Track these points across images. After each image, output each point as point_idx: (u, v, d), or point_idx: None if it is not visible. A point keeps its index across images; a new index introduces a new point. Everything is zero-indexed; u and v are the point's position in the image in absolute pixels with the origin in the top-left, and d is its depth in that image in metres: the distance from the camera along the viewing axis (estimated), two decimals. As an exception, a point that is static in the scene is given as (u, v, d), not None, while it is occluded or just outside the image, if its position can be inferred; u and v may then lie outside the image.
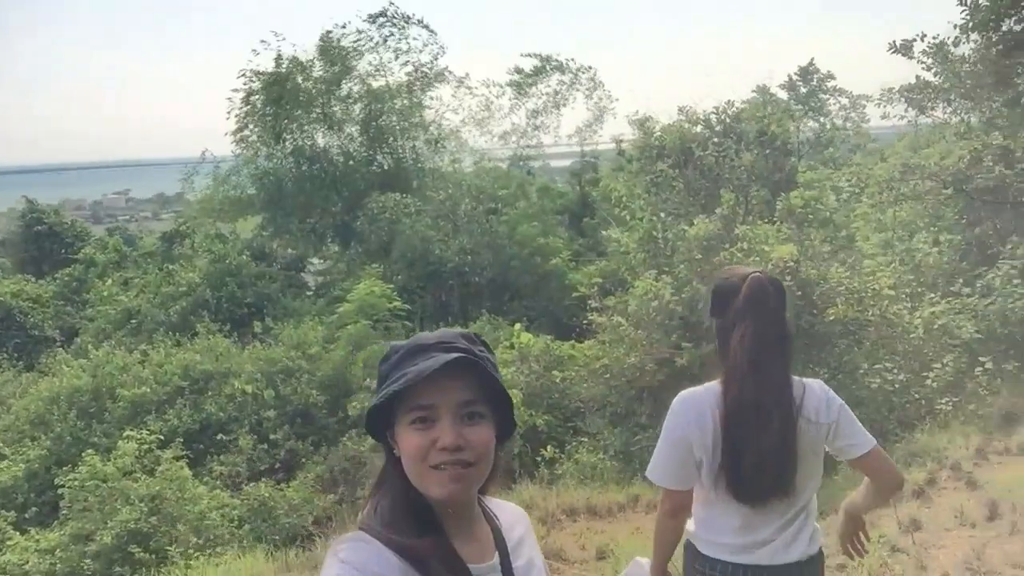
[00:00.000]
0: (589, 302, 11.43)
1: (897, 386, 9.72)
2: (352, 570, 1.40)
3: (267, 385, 14.96)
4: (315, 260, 28.04)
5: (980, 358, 9.61)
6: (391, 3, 27.88)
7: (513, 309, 21.14)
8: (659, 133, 12.74)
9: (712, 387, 2.46)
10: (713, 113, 12.82)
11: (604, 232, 20.15)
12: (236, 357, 16.12)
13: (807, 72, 30.43)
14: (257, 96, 26.40)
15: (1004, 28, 12.45)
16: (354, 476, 13.02)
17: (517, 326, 14.79)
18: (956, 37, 12.96)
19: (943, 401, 9.43)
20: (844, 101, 29.83)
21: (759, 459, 2.33)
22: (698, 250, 10.28)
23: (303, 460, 13.72)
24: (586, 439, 11.37)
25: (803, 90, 30.15)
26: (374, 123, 27.75)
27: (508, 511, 1.68)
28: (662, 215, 11.62)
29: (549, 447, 11.48)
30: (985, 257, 11.06)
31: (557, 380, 12.61)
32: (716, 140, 12.54)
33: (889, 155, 13.54)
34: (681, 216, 11.52)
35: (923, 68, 13.30)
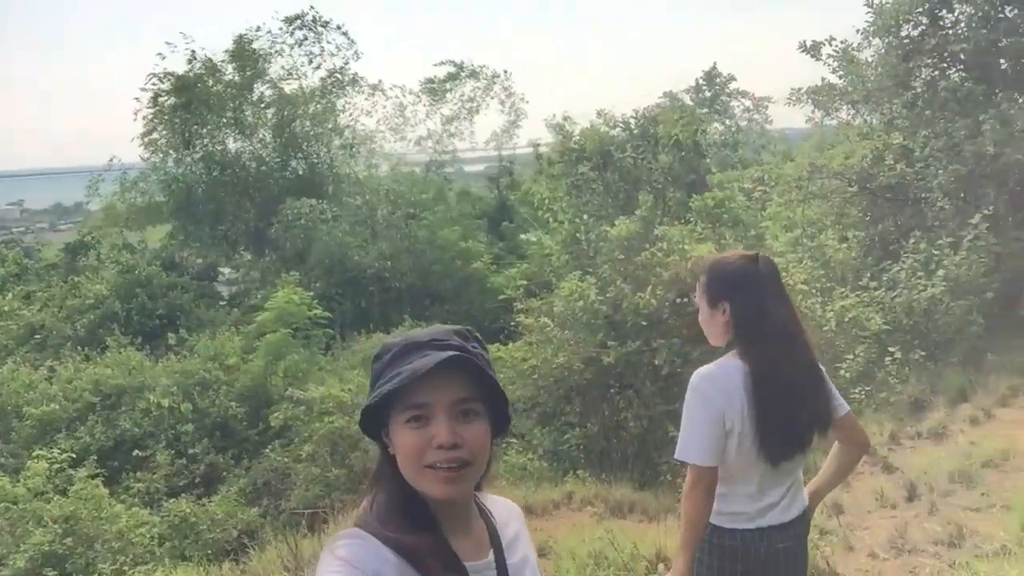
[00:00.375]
0: (515, 304, 11.49)
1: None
2: (349, 567, 1.39)
3: (184, 398, 14.51)
4: (225, 270, 27.32)
5: (889, 348, 10.07)
6: (311, 7, 27.53)
7: (435, 314, 21.08)
8: (578, 137, 12.93)
9: (732, 363, 2.54)
10: (632, 117, 13.14)
11: (523, 236, 20.30)
12: (150, 370, 15.59)
13: (711, 76, 31.29)
14: (166, 99, 25.61)
15: (904, 33, 13.11)
16: (278, 488, 12.76)
17: (441, 329, 14.73)
18: (860, 42, 13.62)
19: (856, 391, 9.84)
20: (747, 103, 30.84)
21: (792, 425, 2.51)
22: (620, 250, 10.47)
23: (224, 474, 13.37)
24: (515, 440, 11.43)
25: (707, 93, 30.99)
26: (287, 128, 27.26)
27: (502, 507, 1.69)
28: (584, 216, 11.80)
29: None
30: (889, 252, 11.59)
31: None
32: (634, 143, 12.80)
33: (797, 155, 14.05)
34: (602, 217, 11.71)
35: (829, 71, 13.91)
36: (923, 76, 12.88)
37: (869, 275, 11.13)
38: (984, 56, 12.15)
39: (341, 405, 13.08)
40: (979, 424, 8.27)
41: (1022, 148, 10.83)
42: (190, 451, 13.52)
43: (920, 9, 12.97)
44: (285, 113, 27.19)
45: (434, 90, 29.69)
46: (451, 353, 1.43)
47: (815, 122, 14.12)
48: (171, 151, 26.04)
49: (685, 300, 9.88)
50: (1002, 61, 12.40)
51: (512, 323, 12.63)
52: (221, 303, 24.16)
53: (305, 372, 15.38)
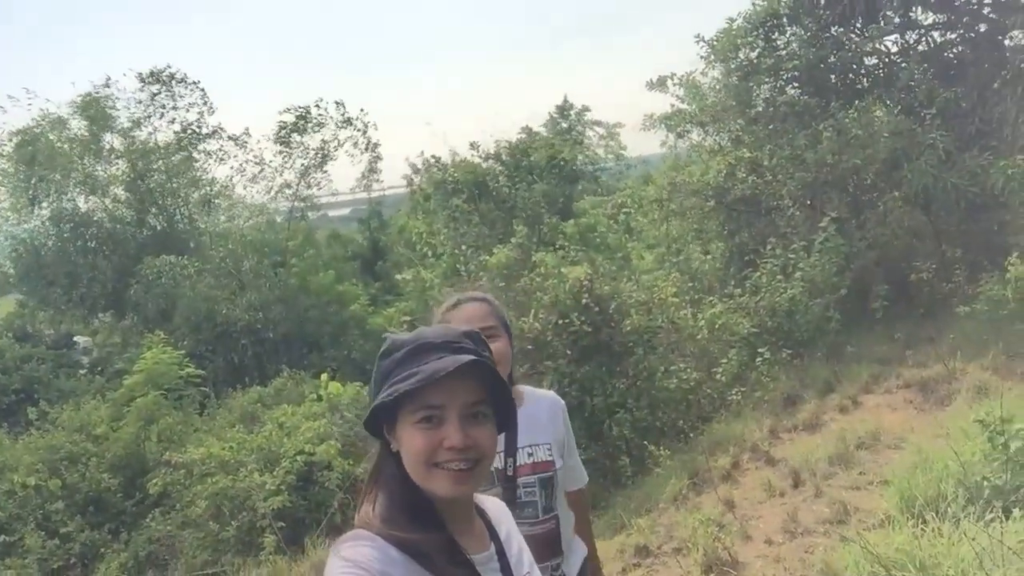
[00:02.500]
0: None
1: (692, 384, 10.52)
2: (356, 568, 1.39)
3: (51, 475, 13.54)
4: (79, 339, 25.79)
5: (759, 350, 10.63)
6: (168, 65, 26.72)
7: (314, 362, 20.62)
8: (452, 170, 13.10)
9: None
10: (504, 147, 13.40)
11: (398, 276, 20.26)
12: (11, 449, 14.50)
13: (564, 108, 32.36)
14: (5, 158, 24.16)
15: (741, 57, 14.01)
16: (163, 559, 12.12)
17: (324, 376, 14.46)
18: (703, 70, 14.48)
19: (733, 392, 10.35)
20: (601, 131, 32.02)
21: None
22: (500, 278, 10.64)
23: (102, 551, 12.54)
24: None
25: (563, 124, 31.99)
26: (142, 183, 26.20)
27: (492, 504, 1.73)
28: (463, 247, 11.93)
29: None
30: (749, 260, 12.27)
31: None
32: (507, 174, 13.08)
33: (655, 178, 14.74)
34: (481, 247, 11.87)
35: (677, 100, 14.70)
36: (763, 94, 13.81)
37: (733, 283, 11.74)
38: (816, 71, 13.14)
39: (223, 464, 12.59)
40: (848, 411, 8.84)
41: (857, 155, 11.74)
42: (62, 531, 12.61)
43: (756, 33, 13.93)
44: (139, 168, 26.15)
45: (287, 137, 29.20)
46: (471, 358, 1.47)
47: (669, 146, 14.88)
48: (13, 213, 24.53)
49: (567, 321, 10.16)
50: (832, 76, 13.45)
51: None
52: (82, 371, 22.79)
53: (181, 434, 14.70)
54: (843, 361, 10.53)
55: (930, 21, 13.75)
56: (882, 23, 13.24)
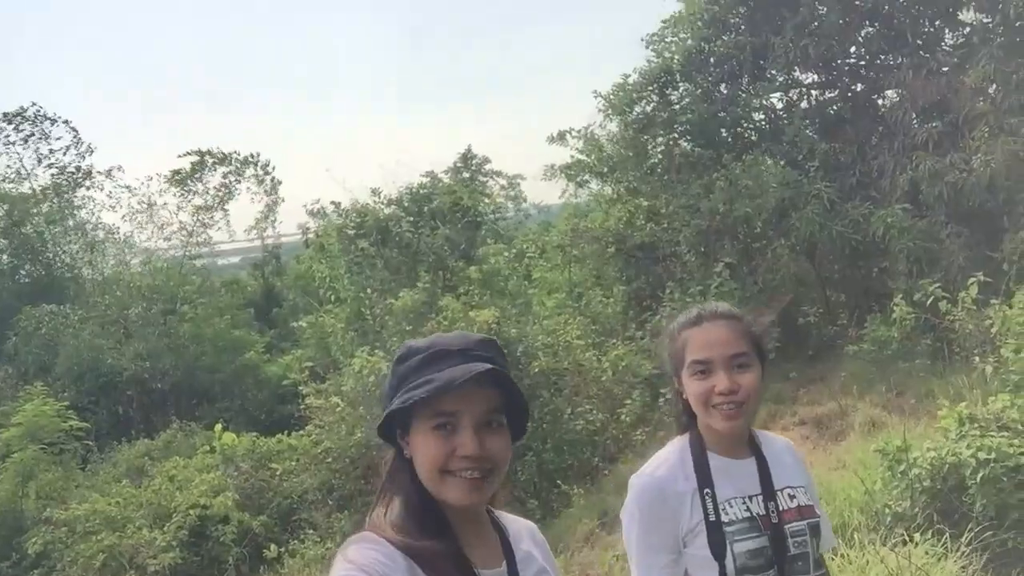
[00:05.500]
0: (300, 388, 11.17)
1: (597, 425, 10.66)
2: (358, 571, 1.38)
3: (-84, 538, 12.51)
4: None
5: (661, 390, 10.88)
6: (32, 103, 25.59)
7: (205, 413, 19.81)
8: (355, 215, 13.04)
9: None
10: (406, 193, 13.46)
11: (295, 323, 19.81)
12: None
13: (467, 157, 32.80)
14: None
15: (637, 111, 14.58)
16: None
17: (218, 427, 13.94)
18: (601, 123, 15.00)
19: (637, 433, 10.53)
20: (503, 182, 32.55)
21: None
22: (406, 322, 10.58)
23: (-26, 622, 11.62)
24: (312, 531, 10.98)
25: (465, 174, 32.37)
26: (18, 231, 24.88)
27: (515, 523, 1.69)
28: (368, 291, 11.83)
29: (272, 547, 10.92)
30: (647, 304, 12.61)
31: (272, 477, 12.09)
32: (411, 219, 13.12)
33: (557, 225, 15.08)
34: (386, 291, 11.80)
35: (577, 151, 15.16)
36: (658, 146, 14.39)
37: (634, 326, 12.02)
38: (708, 125, 13.78)
39: (109, 520, 11.95)
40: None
41: (748, 204, 12.30)
42: (-74, 598, 11.64)
43: (650, 88, 14.54)
44: (14, 215, 24.84)
45: (182, 180, 28.37)
46: (488, 367, 1.45)
47: (570, 195, 15.28)
48: None
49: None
50: (723, 130, 14.14)
51: (292, 413, 12.21)
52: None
53: (62, 491, 13.84)
54: (741, 400, 10.88)
55: (810, 80, 14.68)
56: (768, 81, 14.06)
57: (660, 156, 14.27)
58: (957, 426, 5.12)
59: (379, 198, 13.63)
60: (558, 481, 10.04)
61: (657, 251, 12.86)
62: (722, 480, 2.09)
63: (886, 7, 13.20)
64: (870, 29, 13.47)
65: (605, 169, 14.95)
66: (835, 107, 14.23)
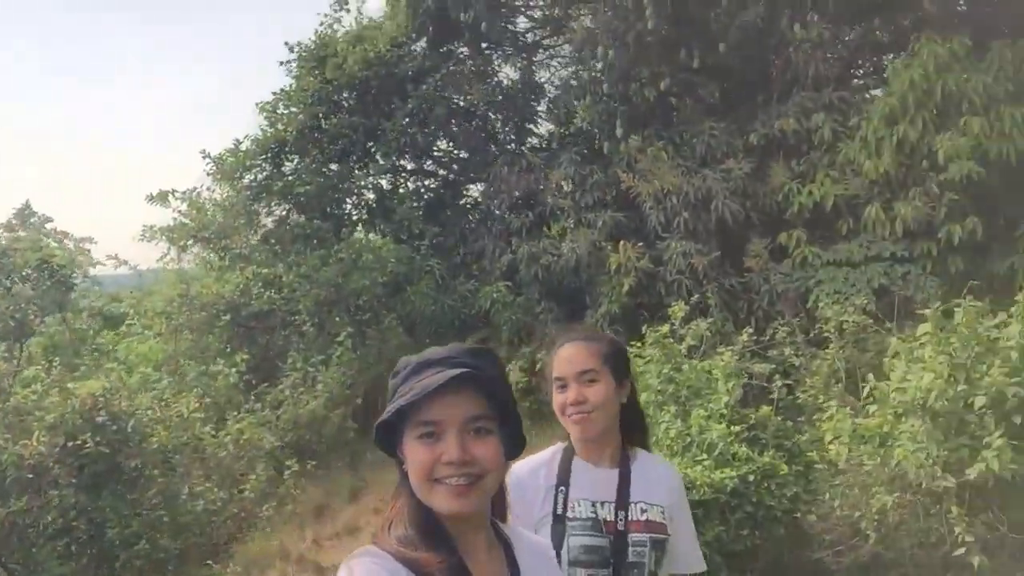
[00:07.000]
0: None
1: (219, 504, 10.02)
2: None
3: None
4: None
5: (286, 463, 10.64)
6: None
7: None
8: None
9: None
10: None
11: None
12: None
13: (24, 213, 28.77)
14: None
15: (248, 179, 14.40)
16: None
17: None
18: (209, 186, 14.47)
19: (264, 508, 10.11)
20: (70, 244, 29.02)
21: None
22: None
23: None
24: None
25: (22, 232, 28.29)
26: None
27: (531, 541, 1.70)
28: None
29: None
30: (267, 375, 12.32)
31: None
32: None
33: (164, 290, 14.07)
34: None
35: (181, 215, 14.37)
36: (274, 214, 14.29)
37: (254, 397, 11.63)
38: (323, 198, 14.09)
39: None
40: (383, 512, 9.31)
41: (364, 277, 12.73)
42: None
43: (264, 156, 14.46)
44: None
45: None
46: (459, 371, 1.47)
47: (171, 258, 14.35)
48: None
49: (77, 443, 8.97)
50: (338, 205, 14.56)
51: None
52: None
53: None
54: (365, 468, 11.09)
55: (413, 167, 15.84)
56: (377, 163, 14.84)
57: (275, 225, 14.16)
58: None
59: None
60: (169, 567, 9.23)
61: (277, 320, 12.67)
62: (579, 482, 2.39)
63: (482, 107, 14.89)
64: (469, 125, 15.03)
65: (211, 235, 14.34)
66: (435, 193, 15.48)
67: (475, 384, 1.49)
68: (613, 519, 2.34)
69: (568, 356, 2.41)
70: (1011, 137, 8.88)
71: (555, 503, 2.36)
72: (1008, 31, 9.72)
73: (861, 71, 13.28)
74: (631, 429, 2.49)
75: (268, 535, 9.53)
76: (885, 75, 10.81)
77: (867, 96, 11.71)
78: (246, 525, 10.20)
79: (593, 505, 2.36)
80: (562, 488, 2.37)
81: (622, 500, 2.36)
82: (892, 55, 12.32)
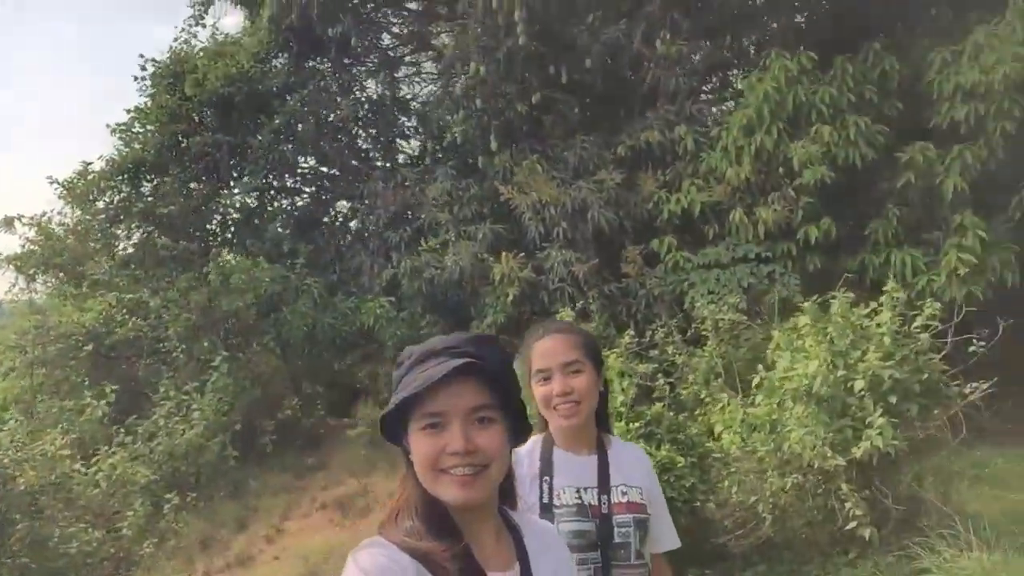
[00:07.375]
0: None
1: (95, 546, 9.41)
2: (361, 574, 1.39)
3: None
4: None
5: (166, 496, 10.11)
6: None
7: None
8: None
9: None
10: None
11: None
12: None
13: None
14: None
15: (103, 202, 13.66)
16: None
17: None
18: (61, 210, 13.62)
19: (145, 545, 9.57)
20: None
21: None
22: None
23: None
24: None
25: None
26: None
27: (541, 529, 1.69)
28: None
29: None
30: (137, 405, 11.67)
31: None
32: None
33: (15, 322, 13.07)
34: None
35: (29, 242, 13.46)
36: (133, 237, 13.60)
37: (124, 431, 11.00)
38: (190, 219, 13.54)
39: None
40: (275, 540, 9.08)
41: (237, 298, 12.30)
42: None
43: (120, 178, 13.74)
44: None
45: None
46: (461, 361, 1.46)
47: (20, 288, 13.37)
48: None
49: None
50: (204, 224, 14.01)
51: None
52: None
53: None
54: (250, 495, 10.72)
55: (281, 184, 15.46)
56: (244, 181, 14.41)
57: (136, 248, 13.48)
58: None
59: None
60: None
61: (144, 347, 12.04)
62: (562, 471, 2.46)
63: (350, 123, 14.74)
64: (337, 142, 14.83)
65: (63, 261, 13.48)
66: (305, 211, 15.15)
67: (478, 373, 1.48)
68: (597, 503, 2.41)
69: (550, 348, 2.46)
70: (856, 144, 9.69)
71: (541, 492, 2.41)
72: (848, 46, 10.55)
73: (709, 86, 14.05)
74: (601, 416, 2.57)
75: (151, 574, 9.04)
76: (734, 88, 11.52)
77: (723, 108, 12.43)
78: (125, 565, 9.61)
79: (578, 491, 2.43)
80: (546, 478, 2.44)
81: (604, 484, 2.44)
82: (737, 71, 13.19)
